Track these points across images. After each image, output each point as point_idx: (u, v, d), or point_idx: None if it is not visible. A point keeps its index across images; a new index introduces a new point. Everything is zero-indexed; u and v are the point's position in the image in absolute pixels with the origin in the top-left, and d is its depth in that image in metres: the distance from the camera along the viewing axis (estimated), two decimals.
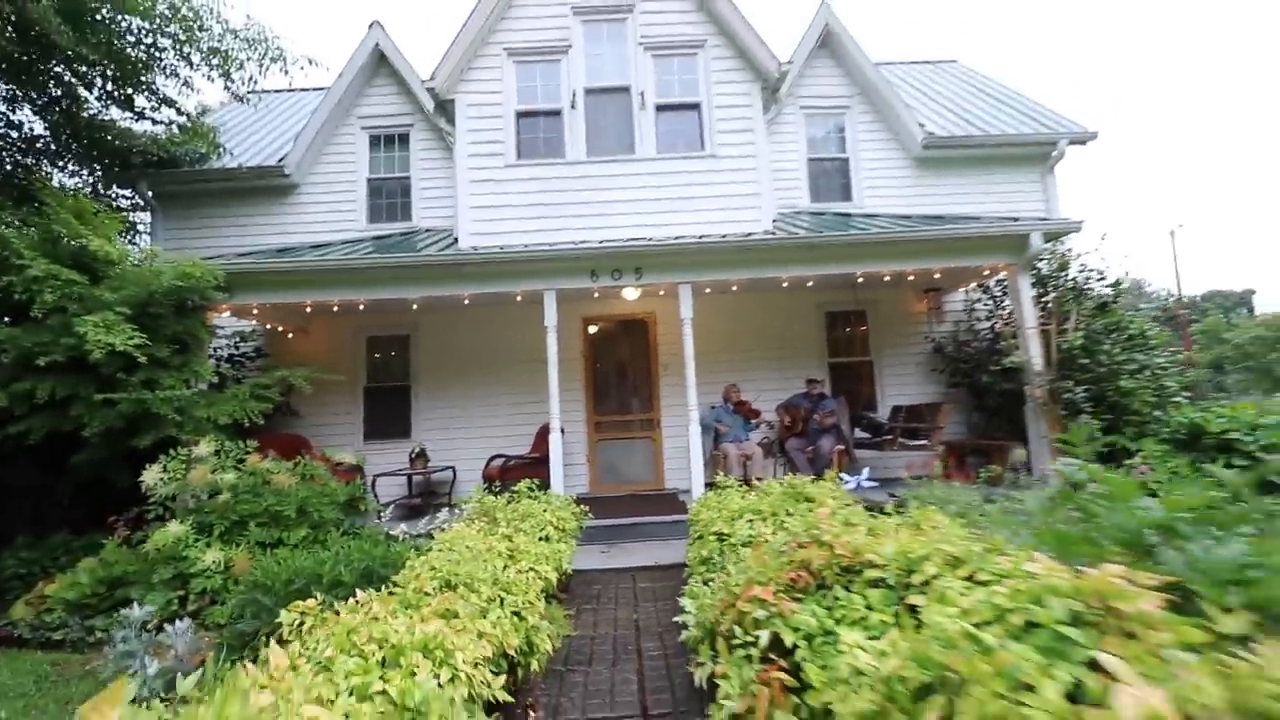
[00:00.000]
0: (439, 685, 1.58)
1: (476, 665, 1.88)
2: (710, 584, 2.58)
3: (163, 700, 2.10)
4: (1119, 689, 0.98)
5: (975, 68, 11.79)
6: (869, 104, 8.93)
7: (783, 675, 1.62)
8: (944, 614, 1.45)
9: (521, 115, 6.79)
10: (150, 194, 8.40)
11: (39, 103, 7.66)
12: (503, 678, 2.01)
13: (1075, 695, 1.09)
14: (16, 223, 5.49)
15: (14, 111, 7.76)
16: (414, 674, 1.59)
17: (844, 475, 4.35)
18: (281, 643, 2.03)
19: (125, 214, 7.67)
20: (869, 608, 1.73)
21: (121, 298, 4.95)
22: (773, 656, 1.75)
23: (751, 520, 3.14)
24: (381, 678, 1.54)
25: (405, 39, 8.99)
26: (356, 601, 2.20)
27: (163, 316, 5.36)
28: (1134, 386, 5.93)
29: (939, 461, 6.29)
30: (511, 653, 2.31)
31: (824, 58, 8.99)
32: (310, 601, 2.35)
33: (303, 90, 11.61)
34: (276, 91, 11.32)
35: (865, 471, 5.39)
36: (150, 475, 4.30)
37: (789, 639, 1.75)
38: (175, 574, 4.13)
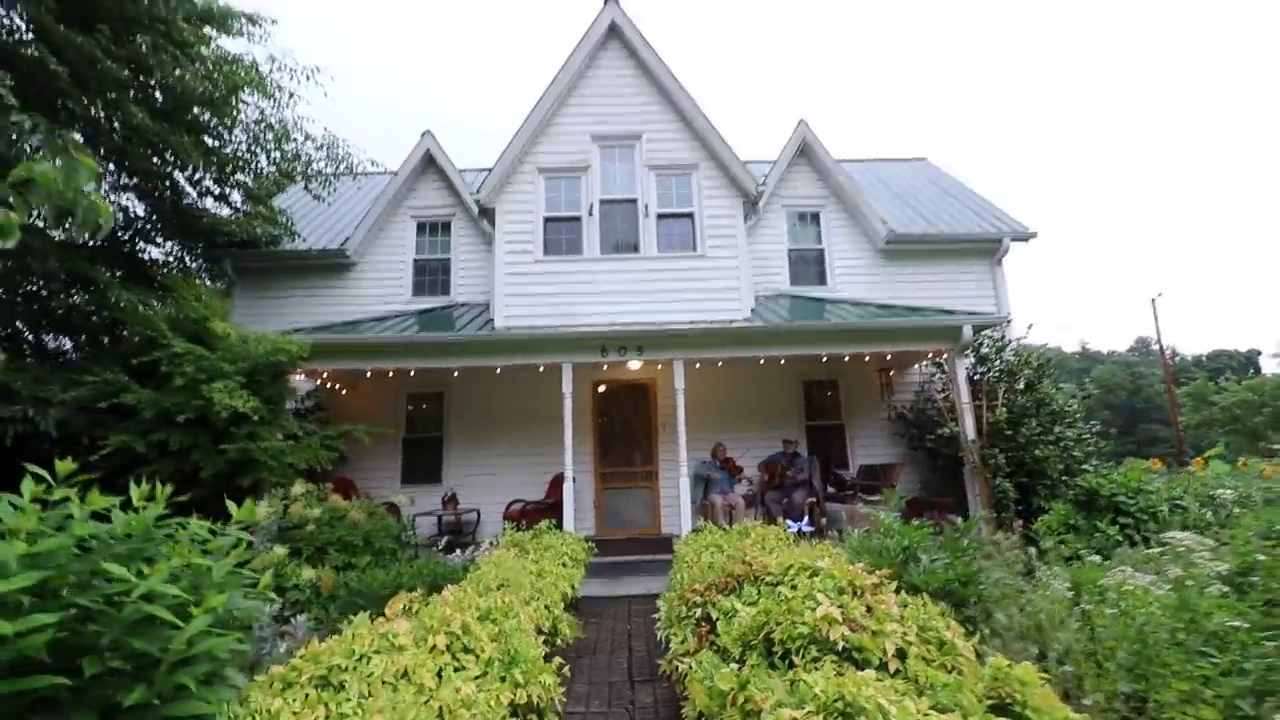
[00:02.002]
0: (515, 625, 2.85)
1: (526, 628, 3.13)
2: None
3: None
4: (821, 602, 2.26)
5: (941, 165, 13.50)
6: (840, 204, 10.51)
7: (705, 629, 2.88)
8: (789, 592, 2.72)
9: (548, 220, 8.36)
10: (231, 269, 9.98)
11: (142, 188, 9.27)
12: (543, 639, 3.26)
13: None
14: (154, 303, 6.97)
15: (120, 196, 9.43)
16: (495, 621, 2.86)
17: (789, 521, 5.57)
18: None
19: (220, 290, 9.20)
20: (758, 594, 2.99)
21: (237, 368, 6.38)
22: (703, 623, 3.00)
23: (712, 550, 4.39)
24: (482, 618, 2.81)
25: (445, 135, 10.60)
26: (447, 591, 3.46)
27: (262, 381, 6.77)
28: (1046, 455, 7.16)
29: (892, 513, 7.48)
30: (545, 631, 3.56)
31: (802, 165, 10.65)
32: (407, 594, 3.61)
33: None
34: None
35: (805, 519, 6.61)
36: (261, 509, 5.60)
37: (714, 614, 3.01)
38: (276, 587, 5.38)
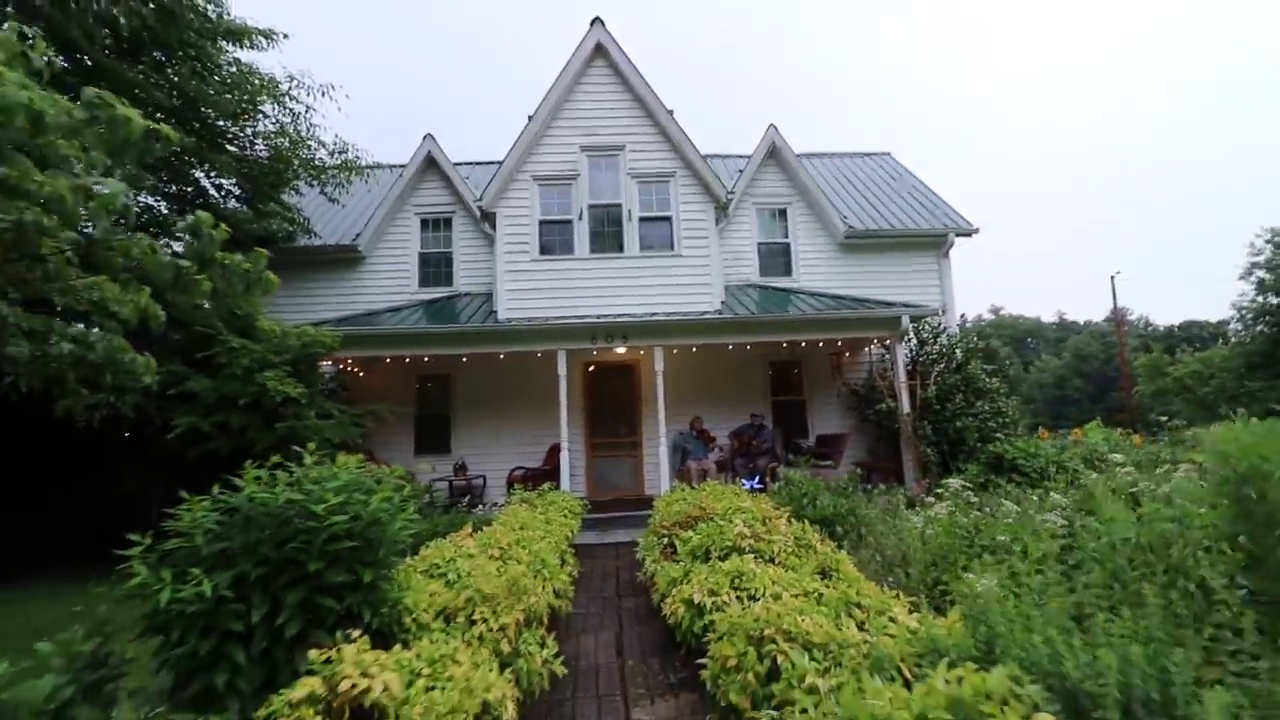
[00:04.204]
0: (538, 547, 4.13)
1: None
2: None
3: None
4: (738, 526, 3.56)
5: (902, 160, 14.65)
6: (805, 202, 11.67)
7: (669, 551, 4.19)
8: (727, 525, 4.02)
9: (543, 223, 9.45)
10: None
11: (171, 192, 10.19)
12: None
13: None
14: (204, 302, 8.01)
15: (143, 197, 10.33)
16: (524, 545, 4.14)
17: (743, 480, 6.92)
18: None
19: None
20: (705, 527, 4.29)
21: (282, 359, 7.51)
22: (668, 548, 4.30)
23: (679, 503, 5.70)
24: (514, 543, 4.09)
25: (444, 135, 11.52)
26: (487, 528, 4.73)
27: (302, 369, 7.90)
28: (965, 426, 8.55)
29: (848, 476, 8.92)
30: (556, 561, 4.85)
31: (771, 165, 11.76)
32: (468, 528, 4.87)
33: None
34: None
35: (756, 479, 7.98)
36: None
37: (675, 542, 4.31)
38: None
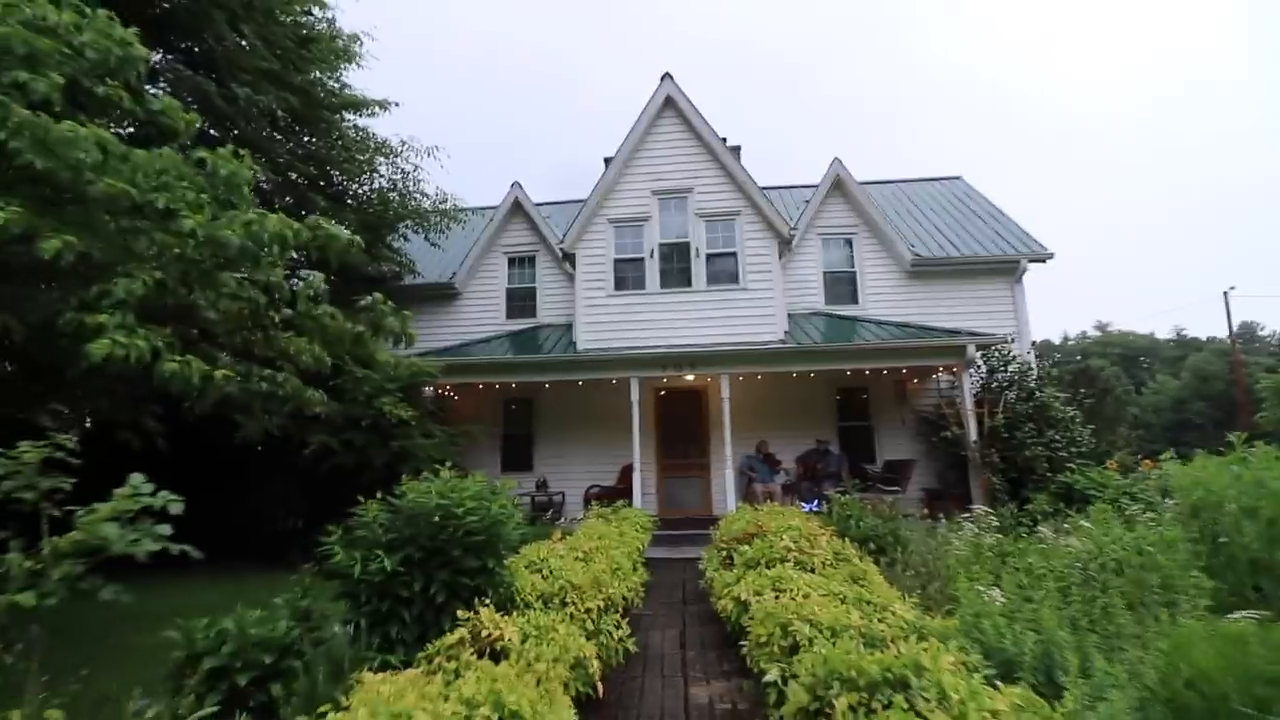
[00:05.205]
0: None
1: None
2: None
3: None
4: (785, 540, 4.12)
5: (973, 183, 14.57)
6: (870, 230, 11.96)
7: (727, 561, 4.79)
8: (777, 540, 4.58)
9: (617, 261, 10.36)
10: None
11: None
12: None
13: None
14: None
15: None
16: (603, 551, 4.86)
17: (803, 503, 7.35)
18: None
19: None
20: (761, 541, 4.86)
21: (396, 385, 8.73)
22: (726, 559, 4.90)
23: (741, 522, 6.26)
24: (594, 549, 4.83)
25: (524, 175, 12.89)
26: (570, 537, 5.50)
27: (409, 393, 9.12)
28: (1035, 455, 8.55)
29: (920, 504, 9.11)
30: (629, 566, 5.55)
31: (836, 197, 12.16)
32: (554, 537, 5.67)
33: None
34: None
35: (816, 502, 8.34)
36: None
37: (734, 555, 4.89)
38: None
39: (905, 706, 1.78)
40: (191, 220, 3.27)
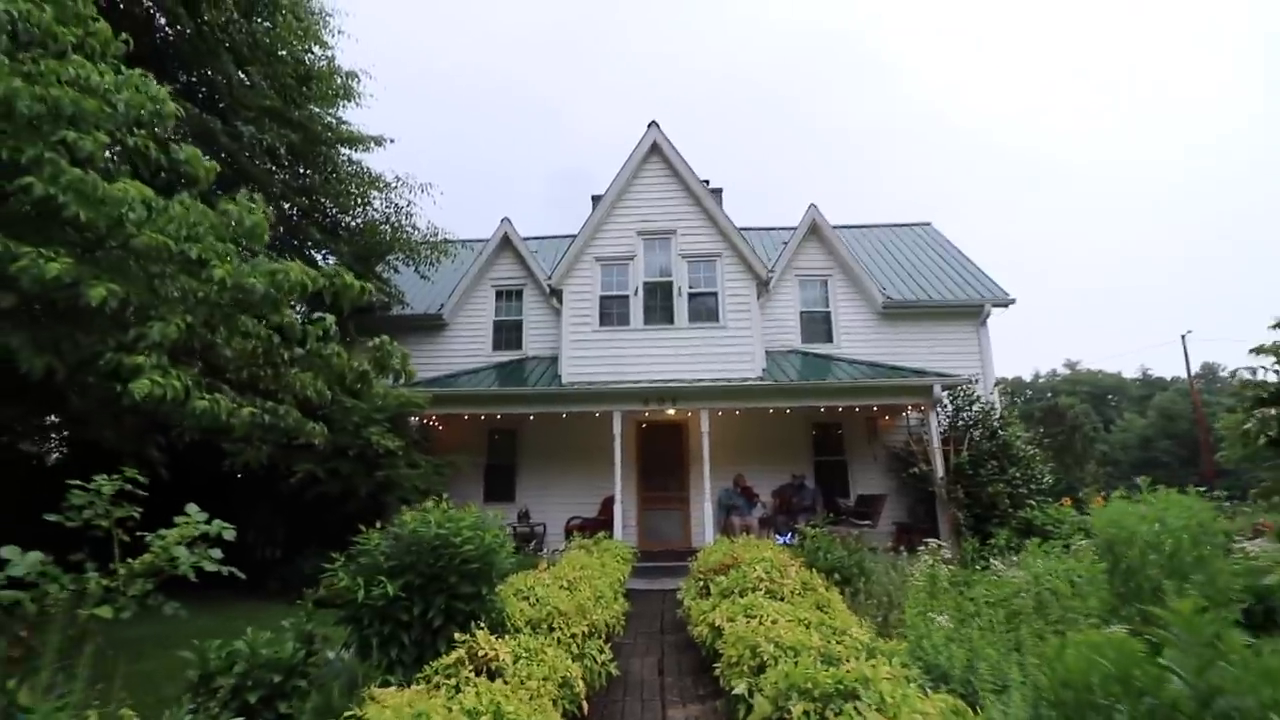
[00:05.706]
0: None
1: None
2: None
3: None
4: (758, 570, 4.41)
5: (942, 228, 15.38)
6: (844, 273, 12.56)
7: (703, 591, 5.05)
8: (750, 570, 4.86)
9: (603, 298, 10.75)
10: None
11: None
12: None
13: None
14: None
15: None
16: (587, 580, 5.09)
17: (777, 536, 7.64)
18: None
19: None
20: (736, 572, 5.13)
21: (384, 416, 8.91)
22: (703, 589, 5.15)
23: (718, 553, 6.52)
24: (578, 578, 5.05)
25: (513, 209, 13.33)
26: (554, 567, 5.71)
27: (396, 423, 9.29)
28: (997, 491, 8.98)
29: (891, 537, 9.44)
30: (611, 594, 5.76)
31: (812, 241, 12.77)
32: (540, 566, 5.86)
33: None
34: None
35: (790, 535, 8.64)
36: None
37: (710, 585, 5.15)
38: None
39: (853, 713, 2.08)
40: (221, 270, 3.56)
